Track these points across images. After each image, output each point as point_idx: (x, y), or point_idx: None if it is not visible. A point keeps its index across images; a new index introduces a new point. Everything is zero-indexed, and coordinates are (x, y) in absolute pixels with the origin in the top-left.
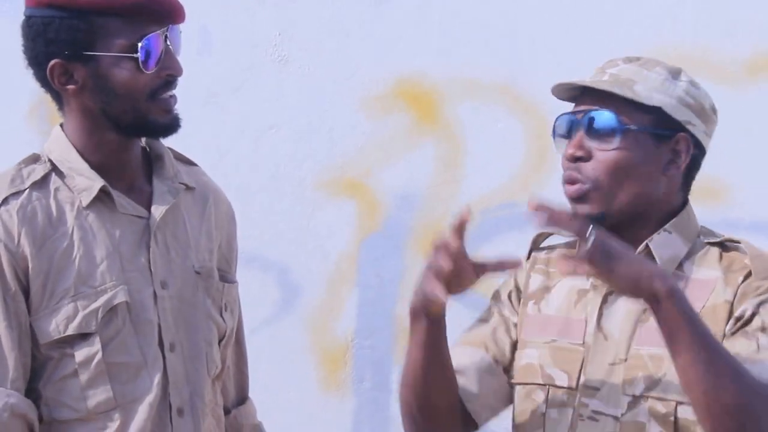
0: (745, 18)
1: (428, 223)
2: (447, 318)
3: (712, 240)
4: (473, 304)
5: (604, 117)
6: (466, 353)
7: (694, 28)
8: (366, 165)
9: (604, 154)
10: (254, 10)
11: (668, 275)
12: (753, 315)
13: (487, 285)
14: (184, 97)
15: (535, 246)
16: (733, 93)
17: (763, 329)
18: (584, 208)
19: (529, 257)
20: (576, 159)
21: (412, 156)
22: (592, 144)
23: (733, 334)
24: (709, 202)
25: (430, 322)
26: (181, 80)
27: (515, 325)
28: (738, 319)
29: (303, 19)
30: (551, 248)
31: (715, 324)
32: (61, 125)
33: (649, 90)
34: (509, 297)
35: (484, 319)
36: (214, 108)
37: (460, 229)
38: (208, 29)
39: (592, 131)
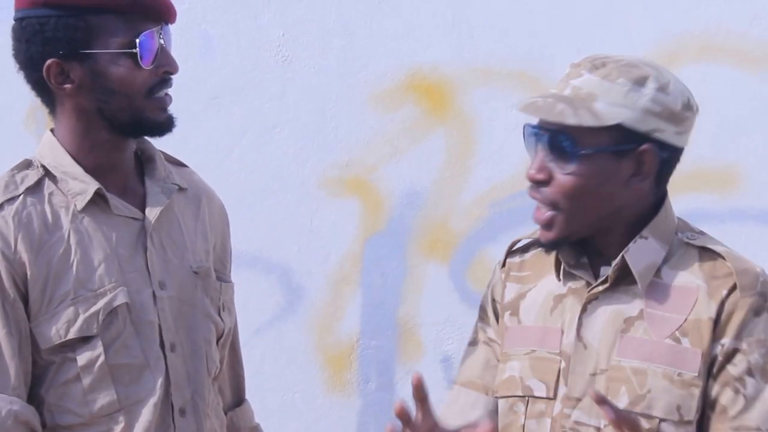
0: None
1: (434, 220)
2: (450, 322)
3: (690, 240)
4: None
5: (561, 141)
6: (470, 402)
7: (718, 14)
8: (371, 162)
9: (563, 177)
10: (257, 11)
11: None
12: (735, 350)
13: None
14: (188, 97)
15: (509, 252)
16: (756, 79)
17: (749, 371)
18: (550, 235)
19: (504, 265)
20: (537, 182)
21: (421, 149)
22: (552, 165)
23: (718, 372)
24: (721, 189)
25: None
26: (185, 81)
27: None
28: (723, 353)
29: (307, 19)
30: (524, 249)
31: (699, 341)
32: (52, 130)
33: (609, 105)
34: (494, 312)
35: (473, 343)
36: (217, 109)
37: (424, 404)
38: (209, 32)
39: (551, 152)
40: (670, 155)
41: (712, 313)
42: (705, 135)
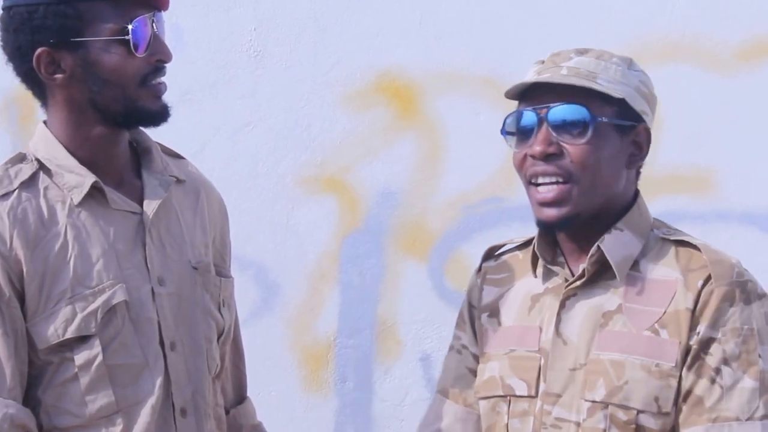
0: (736, 4)
1: (410, 219)
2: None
3: (666, 235)
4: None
5: (575, 110)
6: (443, 409)
7: (685, 16)
8: (346, 161)
9: (578, 148)
10: (229, 5)
11: None
12: (711, 339)
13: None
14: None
15: (486, 258)
16: (724, 80)
17: (725, 360)
18: (560, 212)
19: (480, 270)
20: (547, 156)
21: (392, 152)
22: (563, 138)
23: (693, 362)
24: (699, 192)
25: None
26: None
27: (474, 356)
28: (698, 342)
29: (279, 14)
30: (501, 255)
31: (678, 331)
32: (45, 122)
33: (611, 82)
34: (470, 317)
35: (450, 348)
36: (189, 106)
37: None
38: (180, 26)
39: (561, 126)
40: (648, 143)
41: (690, 303)
42: (676, 137)
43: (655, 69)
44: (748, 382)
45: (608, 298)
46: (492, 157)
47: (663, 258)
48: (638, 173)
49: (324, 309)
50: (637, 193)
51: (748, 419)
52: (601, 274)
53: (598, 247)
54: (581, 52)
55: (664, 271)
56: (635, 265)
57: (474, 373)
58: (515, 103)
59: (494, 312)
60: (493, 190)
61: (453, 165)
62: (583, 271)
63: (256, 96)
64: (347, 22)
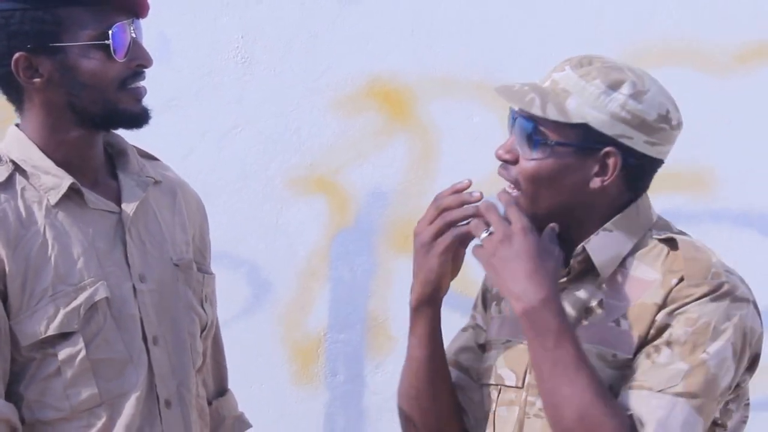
0: (733, 7)
1: (400, 218)
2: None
3: (662, 236)
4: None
5: (526, 128)
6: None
7: (681, 19)
8: (336, 164)
9: (526, 162)
10: (216, 14)
11: (532, 291)
12: (666, 326)
13: (465, 283)
14: (146, 99)
15: None
16: (721, 82)
17: (668, 343)
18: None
19: None
20: (504, 160)
21: (383, 154)
22: (519, 149)
23: (644, 346)
24: (696, 191)
25: (434, 312)
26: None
27: (486, 332)
28: (655, 328)
29: (266, 22)
30: None
31: (639, 323)
32: (17, 125)
33: (580, 104)
34: (483, 301)
35: (464, 329)
36: (175, 111)
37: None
38: (166, 34)
39: (520, 137)
40: (638, 162)
41: (659, 299)
42: None
43: (652, 71)
44: (680, 365)
45: (593, 293)
46: (485, 159)
47: (651, 258)
48: (636, 184)
49: (314, 305)
50: (636, 197)
51: (659, 391)
52: (589, 271)
53: (584, 247)
54: (581, 64)
55: (647, 270)
56: (623, 262)
57: (483, 348)
58: (507, 107)
59: (499, 301)
60: (486, 192)
61: (446, 167)
62: (569, 268)
63: (242, 102)
64: (339, 28)
